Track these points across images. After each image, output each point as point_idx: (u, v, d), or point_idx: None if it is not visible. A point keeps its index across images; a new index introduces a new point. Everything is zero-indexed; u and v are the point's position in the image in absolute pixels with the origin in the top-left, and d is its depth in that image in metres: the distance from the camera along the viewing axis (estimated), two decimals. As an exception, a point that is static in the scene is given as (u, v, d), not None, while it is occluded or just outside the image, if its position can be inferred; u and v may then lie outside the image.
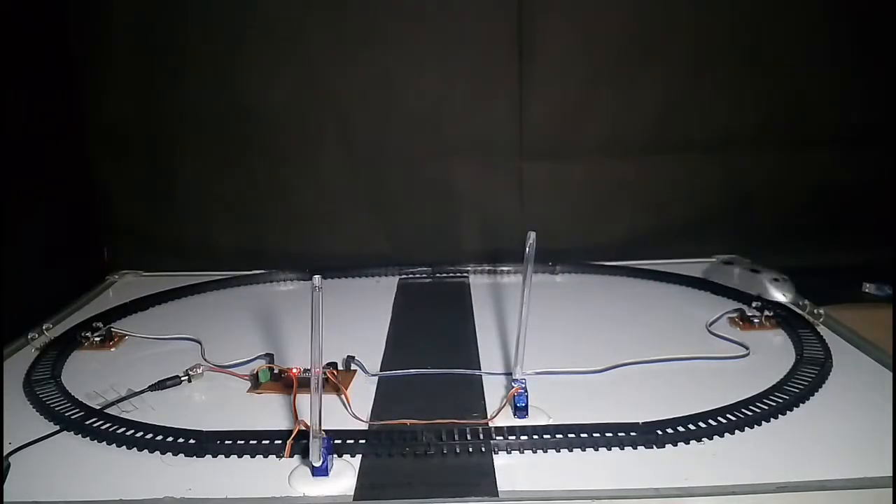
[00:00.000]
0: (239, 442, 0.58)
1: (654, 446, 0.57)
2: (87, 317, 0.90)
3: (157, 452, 0.58)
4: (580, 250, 1.11)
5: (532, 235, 0.58)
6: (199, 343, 0.80)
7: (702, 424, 0.59)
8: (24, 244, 0.93)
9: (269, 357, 0.74)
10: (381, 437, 0.58)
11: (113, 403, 0.66)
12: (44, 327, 0.85)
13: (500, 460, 0.56)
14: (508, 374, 0.66)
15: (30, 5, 0.98)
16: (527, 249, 0.59)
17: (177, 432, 0.59)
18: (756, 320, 0.83)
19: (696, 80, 1.08)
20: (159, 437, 0.59)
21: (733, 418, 0.60)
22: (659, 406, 0.62)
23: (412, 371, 0.72)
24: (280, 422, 0.61)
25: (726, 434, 0.59)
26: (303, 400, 0.65)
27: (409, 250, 1.14)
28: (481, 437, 0.57)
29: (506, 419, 0.61)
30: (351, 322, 0.89)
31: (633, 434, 0.57)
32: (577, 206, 1.14)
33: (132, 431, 0.60)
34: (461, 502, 0.51)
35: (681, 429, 0.58)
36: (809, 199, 1.12)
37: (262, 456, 0.57)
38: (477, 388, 0.69)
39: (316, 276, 0.49)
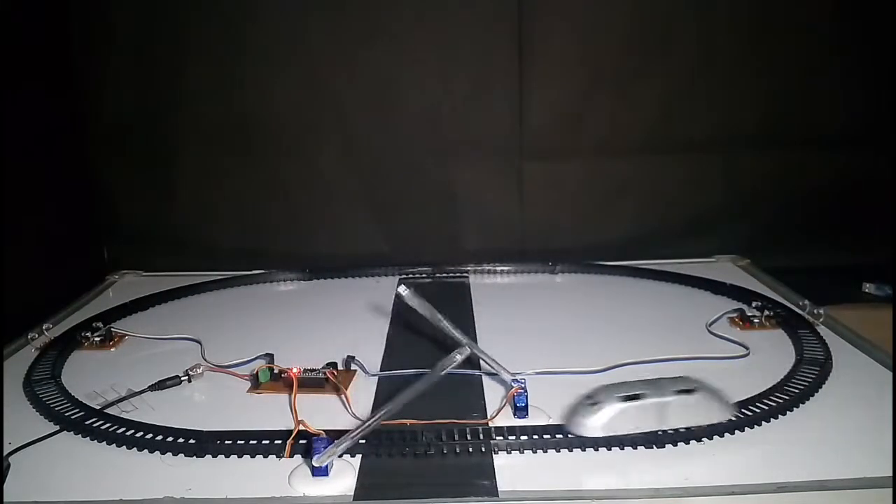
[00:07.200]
0: (239, 442, 0.58)
1: (654, 446, 0.57)
2: (87, 317, 0.89)
3: (157, 452, 0.58)
4: (580, 250, 1.11)
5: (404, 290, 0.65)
6: (199, 343, 0.80)
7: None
8: (24, 244, 0.93)
9: (269, 357, 0.74)
10: (381, 437, 0.58)
11: (113, 403, 0.66)
12: (44, 327, 0.85)
13: (500, 460, 0.56)
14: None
15: (31, 6, 0.98)
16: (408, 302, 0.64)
17: (177, 432, 0.59)
18: (756, 320, 0.83)
19: (696, 80, 1.08)
20: (159, 437, 0.59)
21: (733, 418, 0.60)
22: (659, 406, 0.62)
23: (412, 371, 0.72)
24: (280, 422, 0.61)
25: (726, 434, 0.58)
26: (302, 400, 0.65)
27: (409, 250, 1.14)
28: (481, 437, 0.57)
29: (506, 419, 0.61)
30: (351, 322, 0.89)
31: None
32: (577, 206, 1.14)
33: (132, 431, 0.60)
34: (461, 502, 0.51)
35: (681, 429, 0.58)
36: (809, 198, 1.12)
37: (262, 456, 0.57)
38: (477, 388, 0.69)
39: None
